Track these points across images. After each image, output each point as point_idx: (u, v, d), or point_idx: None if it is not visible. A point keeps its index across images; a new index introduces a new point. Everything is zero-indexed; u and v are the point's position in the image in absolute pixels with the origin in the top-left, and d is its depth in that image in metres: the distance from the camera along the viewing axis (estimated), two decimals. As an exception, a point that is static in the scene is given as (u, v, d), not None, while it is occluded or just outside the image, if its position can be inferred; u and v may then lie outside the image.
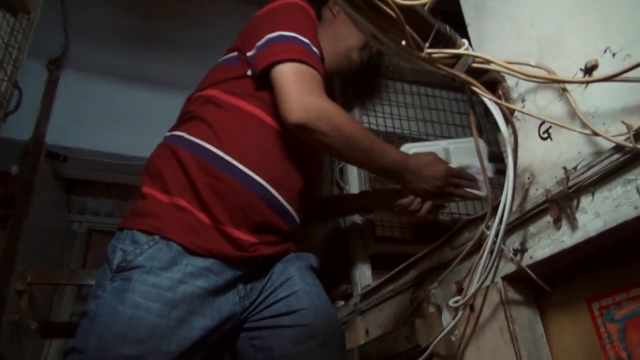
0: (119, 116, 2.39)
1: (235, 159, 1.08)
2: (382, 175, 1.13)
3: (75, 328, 0.99)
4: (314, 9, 1.45)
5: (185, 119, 1.18)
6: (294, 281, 1.14)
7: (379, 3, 0.67)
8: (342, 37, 1.36)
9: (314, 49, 1.13)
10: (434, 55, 0.76)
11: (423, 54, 0.75)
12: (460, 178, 1.16)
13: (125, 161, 2.37)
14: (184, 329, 0.95)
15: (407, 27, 0.70)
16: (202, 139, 1.10)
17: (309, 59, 1.08)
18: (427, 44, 0.75)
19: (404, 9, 0.69)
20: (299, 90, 1.03)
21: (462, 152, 1.20)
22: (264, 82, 1.11)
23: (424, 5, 0.71)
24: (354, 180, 1.57)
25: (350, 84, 1.74)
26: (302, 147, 1.18)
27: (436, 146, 1.22)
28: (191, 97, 1.25)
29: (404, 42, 0.73)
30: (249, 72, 1.15)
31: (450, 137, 1.74)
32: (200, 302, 0.99)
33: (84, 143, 2.27)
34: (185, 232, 1.01)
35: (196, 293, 0.99)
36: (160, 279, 0.97)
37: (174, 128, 1.20)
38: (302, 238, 1.39)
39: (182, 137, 1.12)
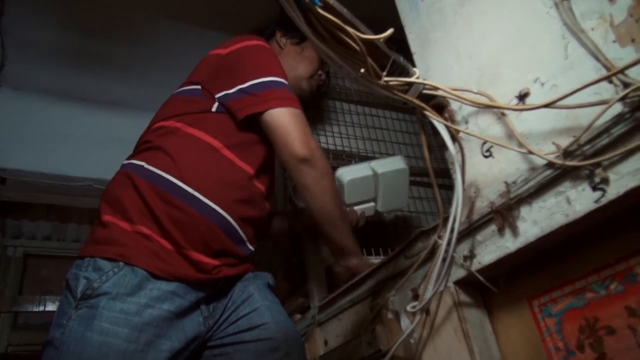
0: (59, 136, 2.32)
1: (196, 190, 1.12)
2: (335, 247, 1.28)
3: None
4: None
5: (144, 148, 1.19)
6: (255, 298, 1.18)
7: (345, 37, 0.74)
8: (291, 68, 1.44)
9: (290, 91, 1.22)
10: (391, 83, 0.85)
11: (381, 82, 0.83)
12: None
13: (67, 182, 2.30)
14: (152, 353, 0.96)
15: (369, 59, 0.77)
16: (162, 170, 1.12)
17: (297, 104, 1.20)
18: (384, 73, 0.84)
19: (365, 41, 0.77)
20: (302, 131, 1.17)
21: (389, 177, 1.34)
22: (234, 120, 1.19)
23: (382, 38, 0.80)
24: (307, 197, 1.63)
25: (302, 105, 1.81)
26: (257, 179, 1.23)
27: (366, 170, 1.35)
28: (151, 126, 1.26)
29: (362, 70, 0.81)
30: (214, 109, 1.20)
31: (393, 154, 1.86)
32: (167, 325, 1.01)
33: (23, 164, 2.17)
34: (150, 257, 1.03)
35: (162, 316, 1.00)
36: (127, 305, 0.98)
37: (132, 156, 1.21)
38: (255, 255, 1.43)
39: (141, 166, 1.14)
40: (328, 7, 0.73)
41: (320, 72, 1.50)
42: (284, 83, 1.22)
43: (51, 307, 1.90)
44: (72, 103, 2.39)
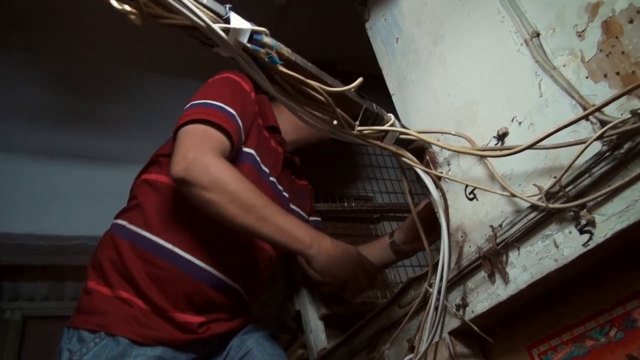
0: (50, 195, 2.29)
1: (173, 244, 1.07)
2: (282, 243, 0.99)
3: None
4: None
5: (129, 207, 1.18)
6: (253, 354, 1.13)
7: (310, 91, 0.73)
8: None
9: (227, 108, 1.09)
10: (365, 132, 0.82)
11: (355, 132, 0.81)
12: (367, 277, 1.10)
13: (61, 242, 2.27)
14: None
15: (338, 110, 0.76)
16: (140, 227, 1.10)
17: (212, 117, 1.04)
18: (357, 122, 0.82)
19: (333, 94, 0.75)
20: (185, 146, 1.00)
21: None
22: None
23: (351, 88, 0.78)
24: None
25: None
26: None
27: None
28: (137, 177, 1.24)
29: (335, 122, 0.79)
30: None
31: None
32: None
33: (15, 227, 2.15)
34: (131, 324, 1.00)
35: None
36: None
37: (118, 215, 1.19)
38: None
39: (123, 226, 1.12)
40: (291, 64, 0.72)
41: None
42: (203, 102, 1.07)
43: (46, 374, 1.85)
44: (61, 161, 2.37)
